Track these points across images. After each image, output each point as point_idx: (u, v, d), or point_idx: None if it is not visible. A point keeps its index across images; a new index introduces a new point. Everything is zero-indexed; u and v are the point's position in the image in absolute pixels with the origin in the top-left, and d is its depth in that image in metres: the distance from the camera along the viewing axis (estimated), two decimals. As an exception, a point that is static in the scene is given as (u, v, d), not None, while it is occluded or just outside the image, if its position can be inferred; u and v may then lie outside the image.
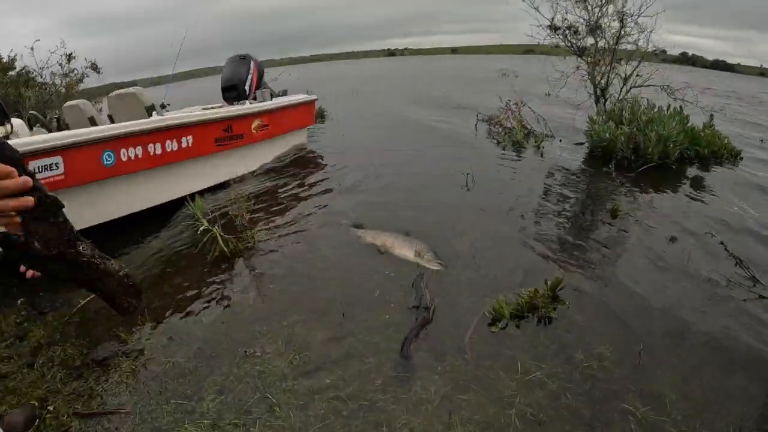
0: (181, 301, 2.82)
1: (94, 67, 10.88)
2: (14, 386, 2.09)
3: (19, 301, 2.85)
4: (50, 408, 1.97)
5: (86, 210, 3.59)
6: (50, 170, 3.27)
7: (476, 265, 3.05)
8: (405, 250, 3.20)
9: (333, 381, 2.01)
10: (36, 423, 1.86)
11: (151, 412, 1.89)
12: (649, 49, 7.85)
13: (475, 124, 8.21)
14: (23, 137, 3.81)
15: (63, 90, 9.98)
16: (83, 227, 3.55)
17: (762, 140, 7.86)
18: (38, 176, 2.85)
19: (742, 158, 6.23)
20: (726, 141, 6.50)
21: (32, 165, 3.15)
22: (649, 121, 6.18)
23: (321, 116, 10.18)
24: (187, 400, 1.93)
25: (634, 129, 6.02)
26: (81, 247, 0.69)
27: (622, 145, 5.91)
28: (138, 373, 2.15)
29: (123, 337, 2.40)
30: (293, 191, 4.98)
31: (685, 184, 5.07)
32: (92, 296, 2.84)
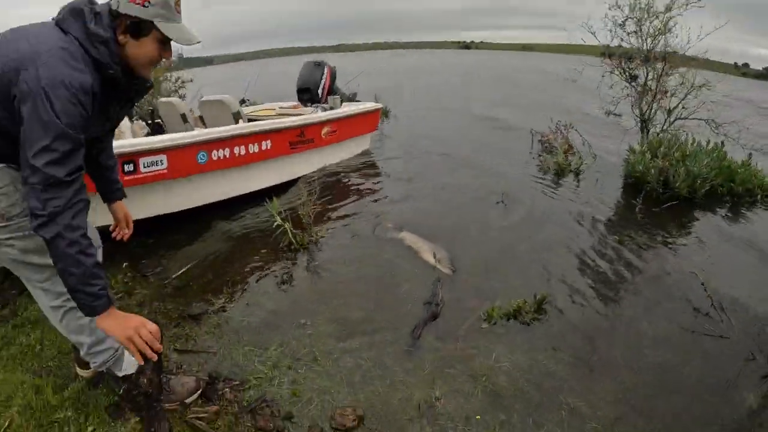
0: (256, 277, 3.67)
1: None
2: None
3: (124, 265, 3.72)
4: (157, 345, 2.81)
5: (183, 197, 4.48)
6: (156, 165, 4.13)
7: (486, 275, 3.75)
8: (428, 255, 3.95)
9: (359, 345, 2.78)
10: (201, 391, 2.32)
11: (230, 353, 2.70)
12: (697, 83, 7.89)
13: (531, 142, 8.71)
14: (128, 134, 4.75)
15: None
16: (181, 209, 4.49)
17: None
18: (145, 170, 3.78)
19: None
20: (766, 179, 6.55)
21: (142, 161, 4.01)
22: (683, 156, 6.41)
23: (386, 115, 10.89)
24: (257, 347, 2.74)
25: (666, 163, 6.33)
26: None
27: (652, 178, 6.26)
28: (221, 327, 2.97)
29: (211, 300, 3.25)
30: (352, 193, 5.79)
31: (702, 222, 5.42)
32: (189, 266, 3.73)
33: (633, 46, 8.38)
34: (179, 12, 1.72)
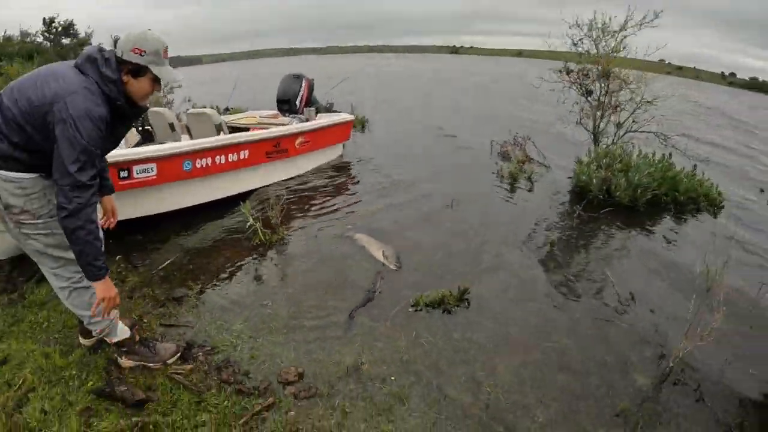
0: (230, 268, 4.35)
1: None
2: (121, 309, 3.63)
3: (117, 257, 4.38)
4: (145, 321, 3.47)
5: (169, 200, 5.14)
6: (147, 172, 4.79)
7: (425, 269, 4.45)
8: (378, 252, 4.64)
9: (307, 323, 3.49)
10: (180, 354, 2.99)
11: (204, 327, 3.38)
12: (648, 99, 8.51)
13: (491, 152, 9.46)
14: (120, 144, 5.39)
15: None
16: (168, 210, 5.15)
17: (763, 190, 8.49)
18: (138, 176, 4.49)
19: (723, 206, 7.02)
20: (710, 188, 7.18)
21: (135, 168, 4.66)
22: (625, 167, 7.05)
23: (362, 125, 11.66)
24: (226, 322, 3.44)
25: (609, 173, 6.94)
26: None
27: (594, 187, 6.89)
28: (198, 307, 3.65)
29: (191, 285, 3.93)
30: (318, 197, 6.47)
31: (634, 227, 6.04)
32: (173, 259, 4.41)
33: (586, 66, 9.07)
34: (167, 57, 2.43)
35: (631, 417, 2.82)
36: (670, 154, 7.88)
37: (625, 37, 8.65)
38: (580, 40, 9.00)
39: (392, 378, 2.98)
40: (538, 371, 3.16)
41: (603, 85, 8.90)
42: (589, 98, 9.06)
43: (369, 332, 3.43)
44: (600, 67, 8.83)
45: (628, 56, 8.74)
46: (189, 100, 12.81)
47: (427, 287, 4.02)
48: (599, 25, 8.77)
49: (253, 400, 2.70)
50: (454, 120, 13.61)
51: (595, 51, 8.93)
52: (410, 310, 3.73)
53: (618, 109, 8.88)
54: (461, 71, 41.21)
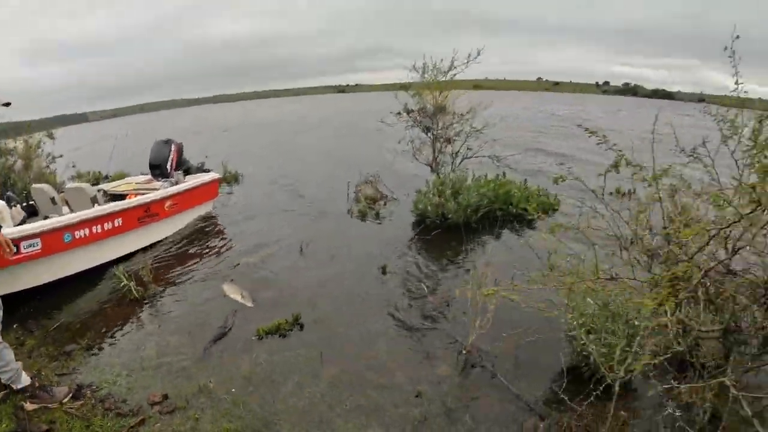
0: (109, 323, 5.38)
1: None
2: (24, 365, 4.60)
3: (14, 326, 5.24)
4: (43, 373, 4.46)
5: (53, 269, 6.05)
6: (33, 246, 5.69)
7: (273, 304, 5.68)
8: (237, 294, 5.83)
9: (172, 359, 4.62)
10: (72, 394, 3.96)
11: (90, 371, 4.43)
12: (477, 128, 10.19)
13: (347, 192, 10.74)
14: (8, 219, 6.16)
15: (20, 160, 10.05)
16: (53, 279, 6.06)
17: (582, 200, 10.24)
18: (24, 251, 5.47)
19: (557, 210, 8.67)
20: (542, 199, 8.55)
21: (23, 243, 5.54)
22: (456, 192, 8.33)
23: (235, 179, 12.96)
24: (107, 366, 4.52)
25: (442, 199, 8.25)
26: None
27: (431, 213, 8.25)
28: (85, 357, 4.67)
29: (78, 341, 4.94)
30: (190, 252, 7.59)
31: (464, 243, 7.38)
32: (62, 321, 5.39)
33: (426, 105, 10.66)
34: None
35: (430, 396, 3.94)
36: (504, 173, 9.48)
37: (455, 75, 10.32)
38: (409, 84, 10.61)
39: (233, 390, 4.17)
40: (353, 374, 4.34)
41: (436, 120, 10.49)
42: (428, 134, 10.62)
43: (219, 359, 4.62)
44: (432, 105, 10.47)
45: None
46: (73, 166, 13.34)
47: (273, 318, 5.22)
48: (430, 68, 10.39)
49: (129, 419, 3.81)
50: (319, 166, 15.28)
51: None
52: (254, 338, 4.95)
53: (451, 140, 10.51)
54: (336, 111, 43.45)
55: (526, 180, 9.82)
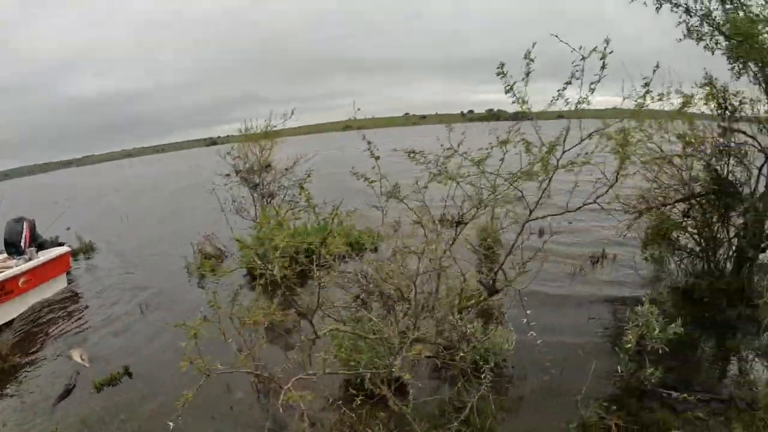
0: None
1: None
2: None
3: None
4: None
5: None
6: None
7: (112, 360, 7.34)
8: (78, 356, 7.42)
9: (33, 415, 6.24)
10: None
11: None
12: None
13: (193, 252, 12.13)
14: None
15: None
16: None
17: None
18: None
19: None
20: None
21: None
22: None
23: (91, 249, 14.45)
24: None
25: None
26: None
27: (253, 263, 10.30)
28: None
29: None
30: (46, 324, 8.98)
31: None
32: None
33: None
34: None
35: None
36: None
37: (275, 143, 12.47)
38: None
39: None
40: (170, 406, 6.12)
41: (262, 178, 12.34)
42: (255, 192, 12.41)
43: (65, 411, 6.21)
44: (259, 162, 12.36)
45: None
46: None
47: (109, 372, 6.90)
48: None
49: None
50: (169, 228, 17.51)
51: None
52: (92, 391, 6.62)
53: (274, 195, 12.37)
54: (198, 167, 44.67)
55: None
